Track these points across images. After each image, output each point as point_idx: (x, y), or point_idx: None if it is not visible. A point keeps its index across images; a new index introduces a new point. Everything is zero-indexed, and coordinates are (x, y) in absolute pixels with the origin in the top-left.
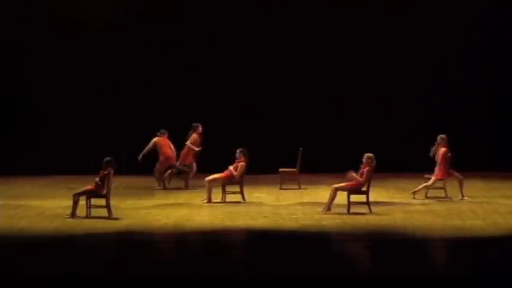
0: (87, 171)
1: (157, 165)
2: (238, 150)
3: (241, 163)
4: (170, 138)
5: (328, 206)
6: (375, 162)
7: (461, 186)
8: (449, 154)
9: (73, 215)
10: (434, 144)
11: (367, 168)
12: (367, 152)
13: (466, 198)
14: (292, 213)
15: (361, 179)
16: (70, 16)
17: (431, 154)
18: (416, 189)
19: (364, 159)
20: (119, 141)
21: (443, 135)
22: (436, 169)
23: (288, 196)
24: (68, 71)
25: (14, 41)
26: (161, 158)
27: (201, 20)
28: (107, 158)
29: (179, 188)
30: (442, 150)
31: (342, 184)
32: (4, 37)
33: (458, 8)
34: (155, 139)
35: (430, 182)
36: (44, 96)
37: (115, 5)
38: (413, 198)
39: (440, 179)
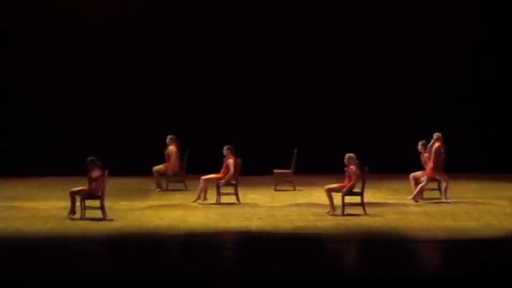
0: (81, 173)
1: (163, 168)
2: (225, 148)
3: (230, 160)
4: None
5: (333, 207)
6: (357, 161)
7: (445, 188)
8: (443, 154)
9: (72, 211)
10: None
11: (351, 167)
12: (365, 153)
13: (448, 200)
14: (287, 214)
15: (351, 183)
16: (65, 14)
17: (427, 153)
18: (415, 194)
19: (346, 161)
20: (112, 142)
21: (438, 133)
22: (428, 167)
23: (282, 197)
24: (61, 72)
25: (6, 37)
26: (170, 163)
27: (195, 20)
28: (90, 158)
29: (174, 190)
30: (436, 145)
31: (334, 185)
32: None
33: (451, 9)
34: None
35: (424, 182)
36: (38, 96)
37: (108, 4)
38: (416, 201)
39: (432, 178)
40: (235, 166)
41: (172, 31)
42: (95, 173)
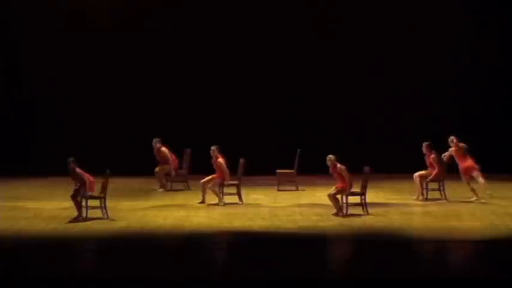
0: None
1: (165, 168)
2: (212, 148)
3: (219, 160)
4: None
5: (340, 209)
6: (336, 161)
7: (482, 185)
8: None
9: (79, 215)
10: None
11: (338, 166)
12: (369, 153)
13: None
14: (290, 214)
15: (347, 180)
16: (66, 16)
17: (446, 155)
18: (478, 195)
19: (329, 163)
20: (114, 143)
21: (453, 136)
22: (469, 163)
23: (285, 197)
24: (65, 74)
25: (13, 39)
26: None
27: (196, 20)
28: (71, 158)
29: (177, 190)
30: (461, 145)
31: (335, 190)
32: (4, 36)
33: (453, 10)
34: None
35: (481, 178)
36: (42, 97)
37: (111, 6)
38: (482, 202)
39: (478, 170)
40: (223, 166)
41: (175, 31)
42: (79, 170)
